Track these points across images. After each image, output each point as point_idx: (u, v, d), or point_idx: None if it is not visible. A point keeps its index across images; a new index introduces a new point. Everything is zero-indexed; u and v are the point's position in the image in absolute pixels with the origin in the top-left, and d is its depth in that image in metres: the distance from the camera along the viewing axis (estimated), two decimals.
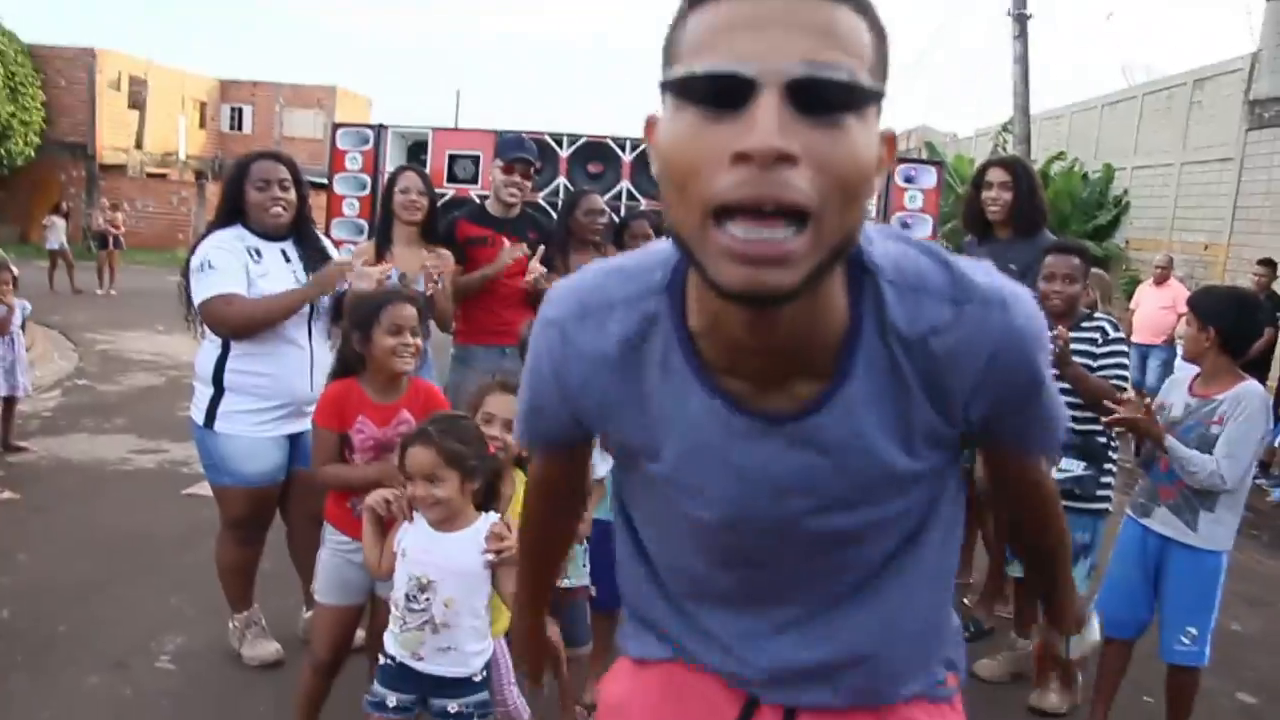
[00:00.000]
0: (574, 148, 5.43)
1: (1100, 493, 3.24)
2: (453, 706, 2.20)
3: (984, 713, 3.08)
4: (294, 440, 3.19)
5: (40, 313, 8.77)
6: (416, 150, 5.61)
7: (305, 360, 3.16)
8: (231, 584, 3.28)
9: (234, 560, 3.26)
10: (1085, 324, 3.24)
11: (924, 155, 15.61)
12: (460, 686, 2.21)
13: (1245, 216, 10.42)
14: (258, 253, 3.09)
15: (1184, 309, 3.11)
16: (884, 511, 1.06)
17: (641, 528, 1.21)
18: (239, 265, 3.03)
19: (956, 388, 1.00)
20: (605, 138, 5.47)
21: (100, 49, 24.34)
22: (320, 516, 2.75)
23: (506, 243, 3.90)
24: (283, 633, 3.36)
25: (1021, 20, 13.33)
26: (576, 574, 2.77)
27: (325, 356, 3.25)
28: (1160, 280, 9.15)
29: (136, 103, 25.95)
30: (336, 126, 5.70)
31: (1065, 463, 3.19)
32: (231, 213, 3.15)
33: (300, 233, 3.22)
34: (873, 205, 4.95)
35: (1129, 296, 10.17)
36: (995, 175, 3.82)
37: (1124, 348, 3.25)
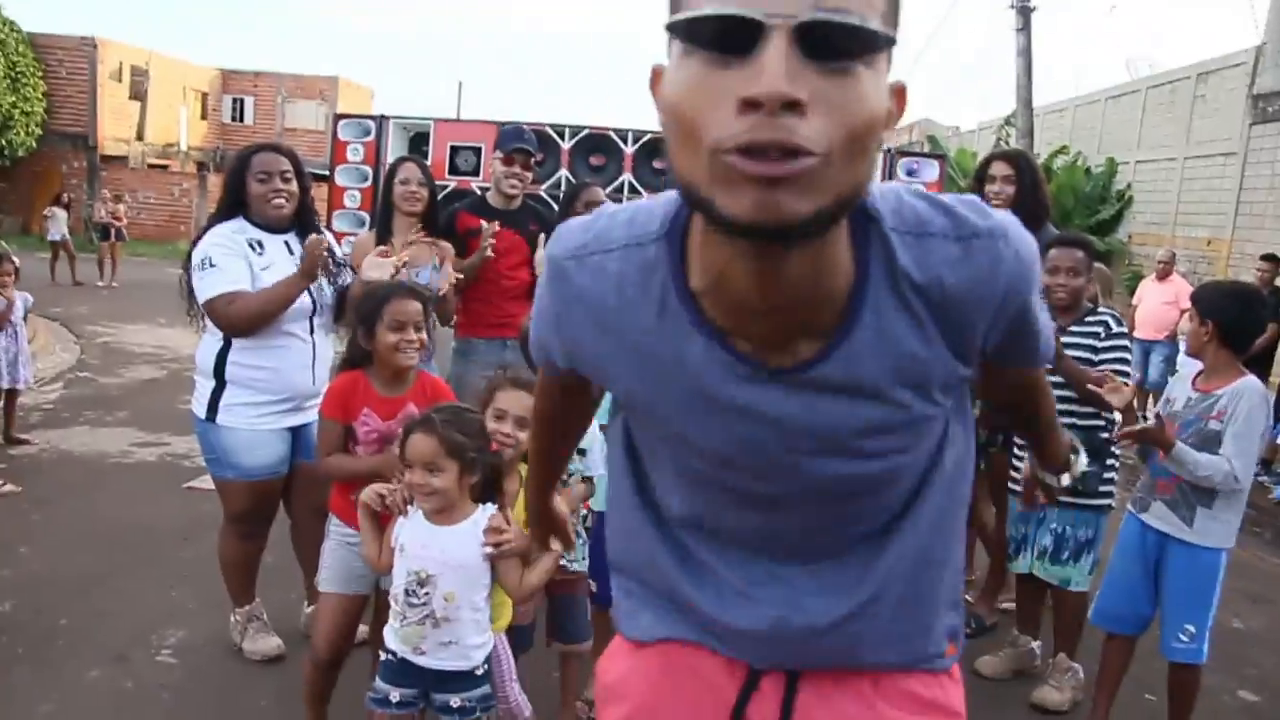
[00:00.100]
0: (576, 139, 5.40)
1: (1103, 489, 3.23)
2: (455, 701, 2.20)
3: (986, 710, 3.08)
4: (296, 433, 3.18)
5: (42, 305, 8.76)
6: (418, 142, 5.59)
7: (307, 354, 3.15)
8: (234, 578, 3.28)
9: (236, 554, 3.25)
10: (1089, 318, 3.23)
11: (926, 149, 15.57)
12: (462, 680, 2.21)
13: (1248, 211, 10.39)
14: (260, 245, 3.08)
15: (1187, 304, 3.11)
16: (887, 463, 1.07)
17: (651, 471, 1.20)
18: (241, 261, 3.02)
19: (977, 322, 1.02)
20: (607, 130, 5.45)
21: (101, 39, 24.31)
22: (324, 510, 2.75)
23: (484, 225, 3.81)
24: (284, 627, 3.35)
25: (1025, 13, 13.27)
26: (574, 558, 2.73)
27: (327, 350, 3.25)
28: (1163, 275, 9.14)
29: (138, 93, 25.92)
30: (338, 118, 5.67)
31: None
32: (233, 205, 3.14)
33: (303, 224, 3.21)
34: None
35: (1131, 292, 10.16)
36: (998, 169, 3.81)
37: (1126, 343, 3.24)
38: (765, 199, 0.81)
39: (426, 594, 2.17)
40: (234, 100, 30.15)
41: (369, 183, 5.38)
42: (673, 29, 0.85)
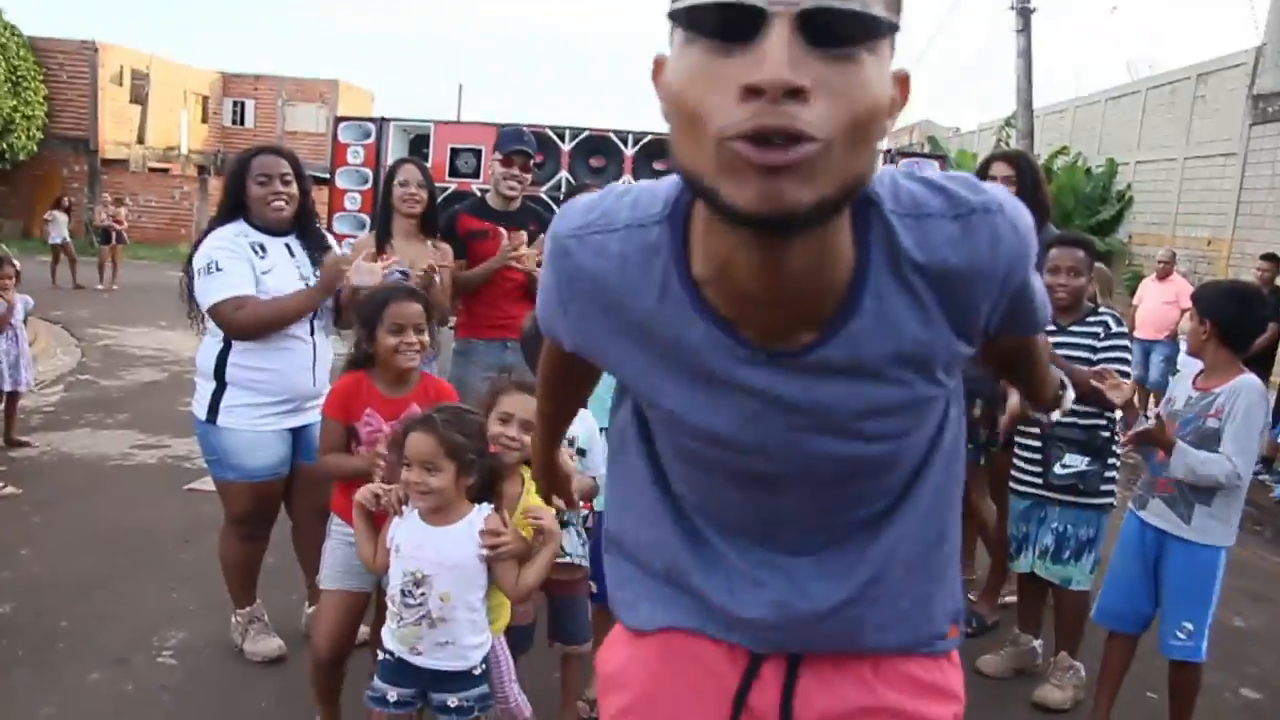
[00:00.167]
0: (576, 141, 5.41)
1: (1104, 488, 3.23)
2: (453, 700, 2.20)
3: (987, 708, 3.09)
4: (297, 435, 3.18)
5: (43, 308, 8.77)
6: (418, 144, 5.60)
7: (308, 355, 3.15)
8: (235, 579, 3.28)
9: (238, 556, 3.25)
10: (1089, 318, 3.23)
11: (927, 150, 15.59)
12: (460, 680, 2.21)
13: (1249, 211, 10.38)
14: (261, 248, 3.09)
15: (1187, 304, 3.11)
16: (888, 445, 1.07)
17: (661, 450, 1.20)
18: (245, 265, 3.02)
19: (980, 303, 1.02)
20: (608, 131, 5.46)
21: (102, 43, 24.32)
22: (325, 511, 2.75)
23: (504, 233, 3.87)
24: (285, 628, 3.35)
25: (1025, 14, 13.28)
26: (573, 549, 2.72)
27: (328, 352, 3.25)
28: (1163, 275, 9.13)
29: (138, 97, 25.94)
30: (339, 120, 5.69)
31: (1069, 458, 3.19)
32: (233, 208, 3.14)
33: (303, 227, 3.21)
34: None
35: (1132, 292, 10.15)
36: (999, 169, 3.81)
37: (1126, 342, 3.24)
38: (769, 188, 0.81)
39: (422, 594, 2.17)
40: (234, 103, 30.17)
41: (369, 185, 5.40)
42: (674, 17, 0.85)
